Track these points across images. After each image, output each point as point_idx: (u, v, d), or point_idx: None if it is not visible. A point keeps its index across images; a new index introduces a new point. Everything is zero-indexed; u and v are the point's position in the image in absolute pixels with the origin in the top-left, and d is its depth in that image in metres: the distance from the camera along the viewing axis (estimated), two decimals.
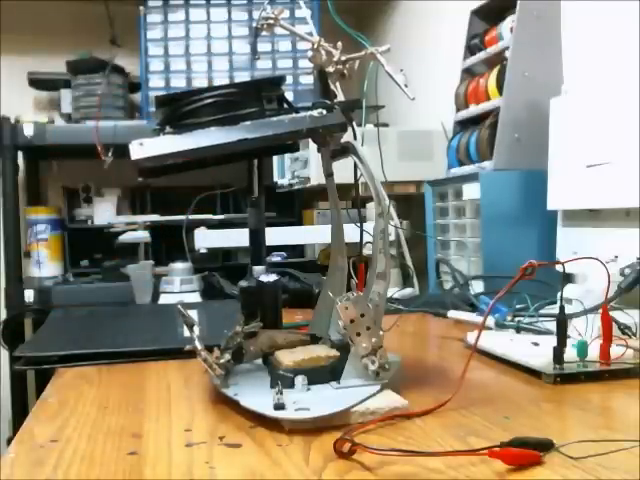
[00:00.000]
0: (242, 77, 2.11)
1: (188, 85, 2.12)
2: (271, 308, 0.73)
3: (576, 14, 1.09)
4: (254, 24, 0.73)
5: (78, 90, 2.13)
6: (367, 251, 0.69)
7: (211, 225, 1.65)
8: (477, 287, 1.18)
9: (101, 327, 1.07)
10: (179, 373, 0.78)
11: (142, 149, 0.60)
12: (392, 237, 1.39)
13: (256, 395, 0.59)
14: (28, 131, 1.90)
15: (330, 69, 0.69)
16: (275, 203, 1.97)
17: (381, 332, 0.62)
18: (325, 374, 0.62)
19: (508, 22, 1.30)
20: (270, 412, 0.55)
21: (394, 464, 0.46)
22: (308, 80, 2.11)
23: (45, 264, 2.13)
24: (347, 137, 0.68)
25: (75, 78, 2.14)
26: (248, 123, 0.63)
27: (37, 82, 2.26)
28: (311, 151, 1.57)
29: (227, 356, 0.64)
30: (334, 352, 0.65)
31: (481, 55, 1.37)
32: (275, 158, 1.81)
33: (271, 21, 0.72)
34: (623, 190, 0.95)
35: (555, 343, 0.68)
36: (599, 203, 1.02)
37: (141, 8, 2.08)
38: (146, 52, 2.10)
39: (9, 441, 0.55)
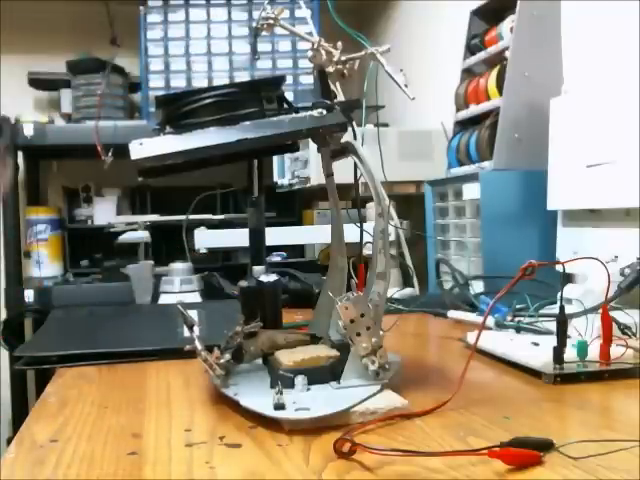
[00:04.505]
0: (242, 77, 2.11)
1: (188, 85, 2.12)
2: (271, 308, 0.73)
3: (576, 14, 1.09)
4: (254, 24, 0.73)
5: (78, 90, 2.13)
6: (367, 251, 0.69)
7: (211, 225, 1.65)
8: (477, 287, 1.18)
9: (101, 327, 1.07)
10: (179, 373, 0.78)
11: (142, 149, 0.60)
12: (392, 237, 1.39)
13: (256, 395, 0.59)
14: (28, 131, 1.91)
15: (330, 69, 0.69)
16: (275, 203, 1.97)
17: (381, 332, 0.62)
18: (325, 374, 0.62)
19: (508, 22, 1.30)
20: (270, 412, 0.55)
21: (394, 464, 0.46)
22: (308, 80, 2.11)
23: (45, 264, 2.13)
24: (347, 137, 0.68)
25: (75, 78, 2.14)
26: (248, 123, 0.63)
27: (37, 82, 2.26)
28: (311, 151, 1.57)
29: (227, 356, 0.64)
30: (334, 352, 0.65)
31: (481, 55, 1.37)
32: (275, 158, 1.81)
33: (271, 21, 0.72)
34: (623, 190, 0.95)
35: (555, 343, 0.68)
36: (599, 203, 1.02)
37: (141, 8, 2.08)
38: (146, 52, 2.10)
39: (9, 441, 0.55)
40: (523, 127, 1.26)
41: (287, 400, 0.56)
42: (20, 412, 1.97)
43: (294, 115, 0.64)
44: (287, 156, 1.72)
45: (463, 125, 1.42)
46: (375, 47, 0.70)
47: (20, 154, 2.06)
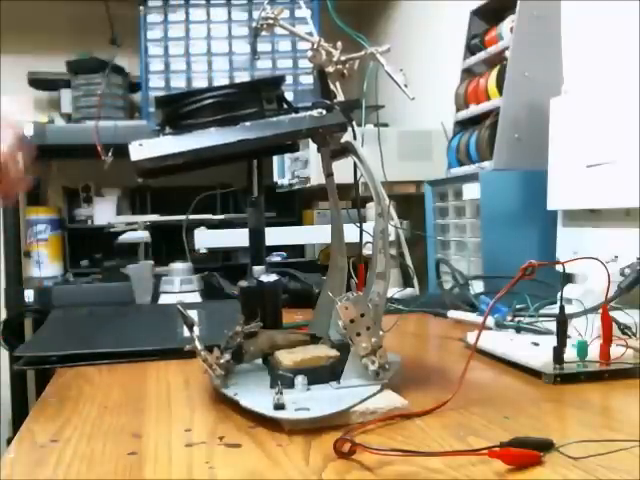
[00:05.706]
0: (242, 77, 2.11)
1: (188, 85, 2.12)
2: (271, 308, 0.73)
3: (576, 14, 1.09)
4: (254, 24, 0.73)
5: (78, 90, 2.13)
6: (367, 251, 0.69)
7: (211, 225, 1.65)
8: (477, 287, 1.18)
9: (101, 327, 1.07)
10: (179, 373, 0.78)
11: (142, 150, 0.60)
12: (392, 237, 1.39)
13: (256, 395, 0.59)
14: (28, 131, 1.90)
15: (330, 69, 0.69)
16: (275, 203, 1.96)
17: (381, 332, 0.62)
18: (325, 374, 0.62)
19: (508, 22, 1.30)
20: (270, 412, 0.55)
21: (394, 464, 0.46)
22: (308, 80, 2.11)
23: (45, 264, 2.13)
24: (347, 137, 0.68)
25: (75, 78, 2.14)
26: (248, 124, 0.63)
27: (37, 82, 2.26)
28: (311, 151, 1.57)
29: (227, 356, 0.64)
30: (334, 352, 0.65)
31: (481, 55, 1.37)
32: (275, 158, 1.81)
33: (271, 21, 0.72)
34: (623, 190, 0.95)
35: (555, 343, 0.68)
36: (599, 203, 1.02)
37: (141, 8, 2.08)
38: (146, 52, 2.10)
39: (9, 441, 0.55)
40: (523, 127, 1.26)
41: (287, 400, 0.56)
42: (20, 412, 1.97)
43: (294, 115, 0.64)
44: (287, 156, 1.72)
45: (463, 125, 1.42)
46: (375, 47, 0.70)
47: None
